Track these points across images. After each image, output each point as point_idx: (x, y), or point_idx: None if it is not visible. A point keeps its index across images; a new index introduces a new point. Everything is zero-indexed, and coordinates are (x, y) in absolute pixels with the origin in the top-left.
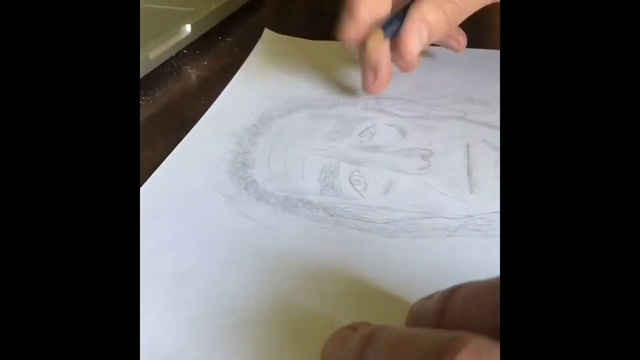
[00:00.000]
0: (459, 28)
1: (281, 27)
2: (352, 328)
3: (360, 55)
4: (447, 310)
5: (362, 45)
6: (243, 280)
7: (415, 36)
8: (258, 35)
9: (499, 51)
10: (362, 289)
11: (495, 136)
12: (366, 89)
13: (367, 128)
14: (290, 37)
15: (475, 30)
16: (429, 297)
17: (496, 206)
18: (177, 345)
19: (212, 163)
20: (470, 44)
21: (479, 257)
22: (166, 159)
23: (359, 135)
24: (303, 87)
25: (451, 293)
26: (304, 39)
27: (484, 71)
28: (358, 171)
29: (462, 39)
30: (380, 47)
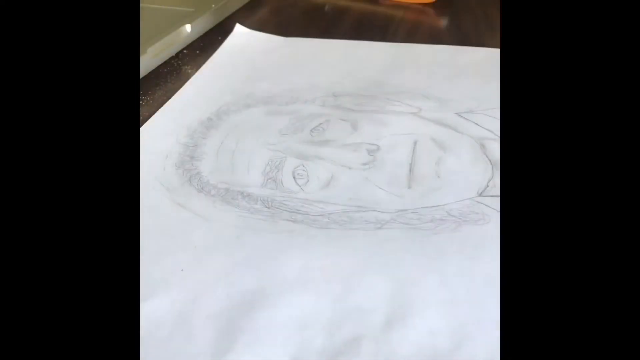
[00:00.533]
0: None
1: (281, 27)
2: None
3: None
4: None
5: None
6: (168, 269)
7: None
8: None
9: (462, 47)
10: (278, 278)
11: (443, 134)
12: None
13: (320, 124)
14: (260, 33)
15: (473, 29)
16: None
17: (430, 201)
18: None
19: (161, 155)
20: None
21: (403, 247)
22: None
23: (311, 131)
24: (265, 83)
25: None
26: (273, 35)
27: (445, 68)
28: (302, 165)
29: None
30: None
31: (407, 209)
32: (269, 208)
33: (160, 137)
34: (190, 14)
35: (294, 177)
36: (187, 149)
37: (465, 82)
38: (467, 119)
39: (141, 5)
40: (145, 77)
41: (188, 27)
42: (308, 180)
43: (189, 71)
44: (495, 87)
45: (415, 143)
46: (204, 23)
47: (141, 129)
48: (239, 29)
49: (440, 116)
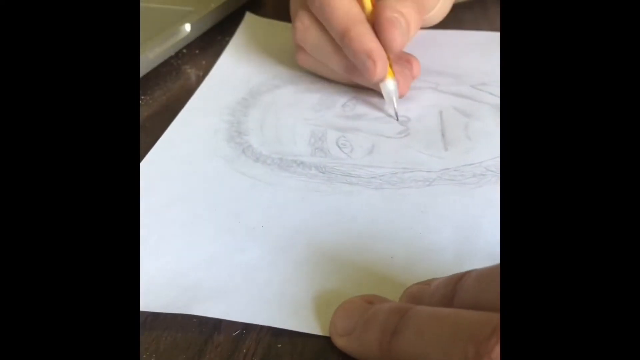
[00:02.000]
0: (408, 53)
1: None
2: (367, 300)
3: (350, 52)
4: (458, 296)
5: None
6: (250, 225)
7: (394, 25)
8: None
9: (467, 31)
10: (353, 234)
11: (463, 103)
12: (371, 77)
13: (349, 100)
14: (271, 20)
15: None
16: (426, 283)
17: (467, 159)
18: (196, 279)
19: (210, 131)
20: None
21: (454, 200)
22: (166, 131)
23: (342, 106)
24: (286, 66)
25: (460, 278)
26: (283, 22)
27: (451, 49)
28: (344, 136)
29: (415, 62)
30: (364, 32)
31: (449, 167)
32: (323, 173)
33: (203, 116)
34: (190, 14)
35: (339, 146)
36: (232, 125)
37: (473, 60)
38: (481, 90)
39: (141, 5)
40: (145, 76)
41: (187, 27)
42: (353, 149)
43: (189, 70)
44: (498, 63)
45: (440, 113)
46: (204, 23)
47: (181, 112)
48: (249, 16)
49: (457, 89)
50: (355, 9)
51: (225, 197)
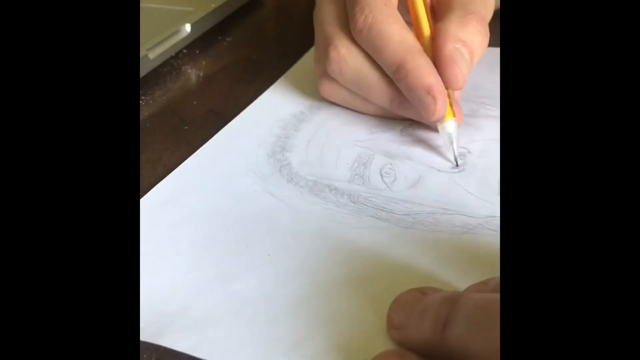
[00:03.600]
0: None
1: (280, 27)
2: (421, 292)
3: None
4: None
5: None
6: (256, 253)
7: (456, 60)
8: (258, 35)
9: None
10: (360, 278)
11: None
12: (429, 117)
13: (411, 124)
14: None
15: None
16: (484, 283)
17: None
18: (179, 305)
19: (254, 145)
20: None
21: (488, 254)
22: (212, 139)
23: (401, 130)
24: None
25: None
26: None
27: None
28: (390, 164)
29: (460, 111)
30: (423, 64)
31: (497, 215)
32: (354, 203)
33: (253, 126)
34: (190, 14)
35: (381, 175)
36: (278, 139)
37: None
38: None
39: (141, 5)
40: (145, 77)
41: (188, 27)
42: (395, 179)
43: (189, 71)
44: None
45: None
46: (204, 23)
47: (234, 120)
48: None
49: None
50: (411, 38)
51: (244, 218)
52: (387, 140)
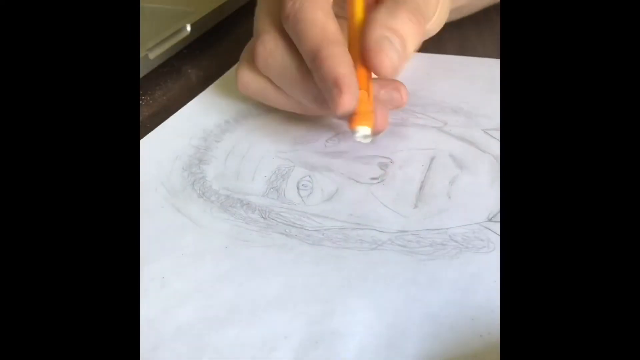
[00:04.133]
0: (395, 80)
1: None
2: None
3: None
4: None
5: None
6: (150, 276)
7: (383, 47)
8: None
9: (491, 59)
10: (265, 292)
11: (465, 151)
12: (334, 109)
13: (337, 134)
14: None
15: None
16: None
17: (433, 224)
18: None
19: (171, 157)
20: (467, 52)
21: (393, 273)
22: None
23: (326, 141)
24: None
25: None
26: None
27: (480, 81)
28: (309, 176)
29: (403, 89)
30: (338, 53)
31: (407, 230)
32: (265, 219)
33: (173, 138)
34: (190, 14)
35: (298, 188)
36: (197, 151)
37: (497, 95)
38: (492, 137)
39: (141, 5)
40: (145, 77)
41: (188, 27)
42: (311, 192)
43: (189, 71)
44: None
45: (432, 159)
46: (204, 23)
47: (155, 130)
48: None
49: (465, 132)
50: (333, 27)
51: (146, 238)
52: (311, 151)
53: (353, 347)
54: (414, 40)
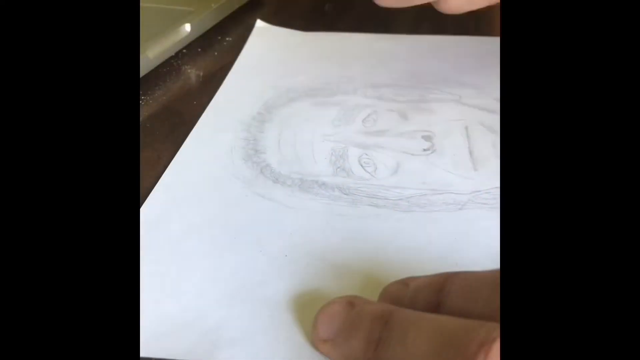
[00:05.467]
0: None
1: (281, 27)
2: (348, 302)
3: None
4: (444, 304)
5: None
6: (272, 256)
7: None
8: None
9: (488, 37)
10: (384, 264)
11: (490, 118)
12: None
13: (369, 114)
14: (283, 29)
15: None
16: (404, 283)
17: (499, 182)
18: (219, 318)
19: (225, 150)
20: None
21: (488, 227)
22: (179, 150)
23: (362, 121)
24: (300, 78)
25: (443, 283)
26: (295, 30)
27: (474, 58)
28: (366, 154)
29: None
30: None
31: (480, 190)
32: (347, 195)
33: (217, 133)
34: (190, 14)
35: (362, 165)
36: (248, 142)
37: (493, 70)
38: None
39: (141, 5)
40: (145, 77)
41: (188, 27)
42: (376, 168)
43: (189, 71)
44: None
45: (466, 128)
46: (204, 23)
47: (194, 129)
48: (260, 24)
49: (482, 102)
50: None
51: (245, 224)
52: (354, 131)
53: None
54: None
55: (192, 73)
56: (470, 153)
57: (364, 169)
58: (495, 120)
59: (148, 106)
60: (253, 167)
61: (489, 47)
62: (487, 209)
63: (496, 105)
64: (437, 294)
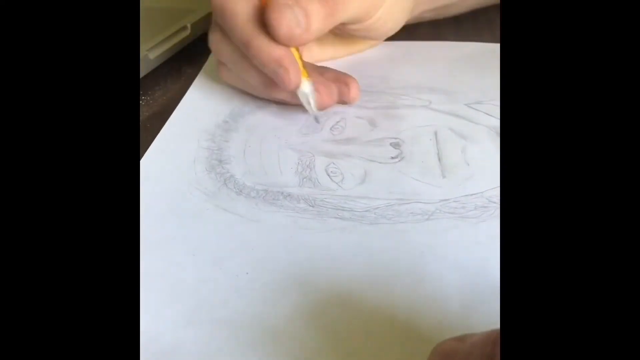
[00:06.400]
0: (346, 74)
1: None
2: (458, 339)
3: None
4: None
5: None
6: (233, 273)
7: (282, 12)
8: None
9: (461, 42)
10: (349, 281)
11: (459, 124)
12: (286, 86)
13: (337, 122)
14: None
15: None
16: (460, 339)
17: (468, 190)
18: (175, 340)
19: (188, 161)
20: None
21: (456, 238)
22: (142, 159)
23: (330, 129)
24: None
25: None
26: None
27: (444, 63)
28: (333, 163)
29: (353, 83)
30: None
31: (448, 198)
32: (313, 207)
33: (180, 143)
34: (190, 14)
35: (329, 175)
36: (212, 152)
37: (466, 75)
38: (477, 110)
39: (141, 5)
40: (145, 77)
41: (188, 27)
42: (343, 177)
43: (189, 71)
44: (496, 78)
45: (435, 134)
46: (204, 23)
47: (157, 137)
48: None
49: (451, 108)
50: (255, 12)
51: (206, 240)
52: (320, 140)
53: (452, 310)
54: (319, 18)
55: (192, 73)
56: (439, 159)
57: (331, 179)
58: (464, 126)
59: (148, 106)
60: (216, 178)
61: (461, 52)
62: (454, 218)
63: (466, 112)
64: (493, 348)
